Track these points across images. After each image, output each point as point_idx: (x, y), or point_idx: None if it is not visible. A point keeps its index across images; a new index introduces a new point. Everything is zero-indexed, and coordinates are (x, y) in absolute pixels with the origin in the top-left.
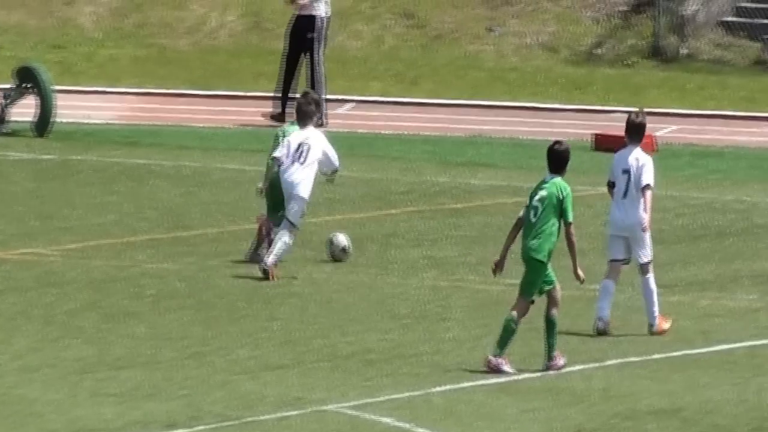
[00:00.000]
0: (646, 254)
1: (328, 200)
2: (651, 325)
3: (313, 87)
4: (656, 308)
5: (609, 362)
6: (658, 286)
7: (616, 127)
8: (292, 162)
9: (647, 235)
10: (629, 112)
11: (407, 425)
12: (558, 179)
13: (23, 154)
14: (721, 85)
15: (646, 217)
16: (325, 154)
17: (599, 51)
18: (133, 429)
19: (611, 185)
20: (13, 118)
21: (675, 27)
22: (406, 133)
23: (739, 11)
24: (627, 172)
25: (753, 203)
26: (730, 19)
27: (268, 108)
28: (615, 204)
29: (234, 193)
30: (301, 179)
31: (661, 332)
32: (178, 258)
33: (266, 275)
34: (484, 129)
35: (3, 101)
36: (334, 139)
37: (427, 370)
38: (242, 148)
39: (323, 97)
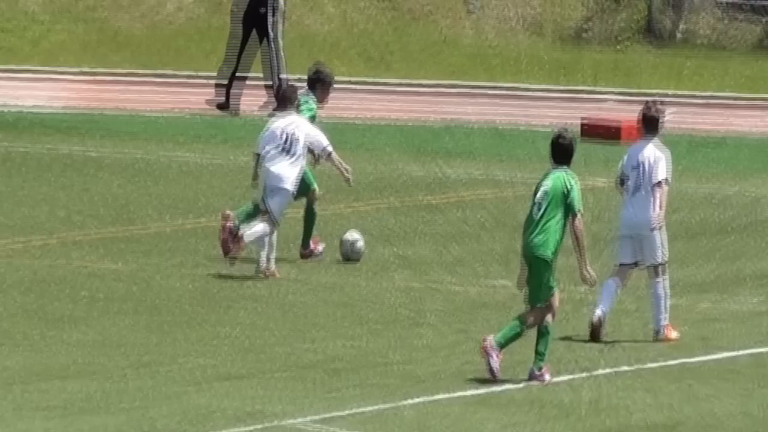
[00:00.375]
0: (658, 255)
1: None
2: (656, 332)
3: (270, 68)
4: (664, 315)
5: (599, 372)
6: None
7: (606, 114)
8: (280, 152)
9: (660, 235)
10: (646, 102)
11: None
12: (562, 172)
13: None
14: (720, 68)
15: (657, 215)
16: (311, 140)
17: (588, 32)
18: None
19: (621, 182)
20: None
21: (671, 5)
22: (376, 119)
23: None
24: (637, 168)
25: (756, 197)
26: None
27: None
28: (625, 202)
29: (190, 186)
30: (289, 174)
31: (667, 340)
32: (130, 258)
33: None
34: (461, 115)
35: None
36: None
37: (398, 381)
38: (200, 137)
39: (283, 77)
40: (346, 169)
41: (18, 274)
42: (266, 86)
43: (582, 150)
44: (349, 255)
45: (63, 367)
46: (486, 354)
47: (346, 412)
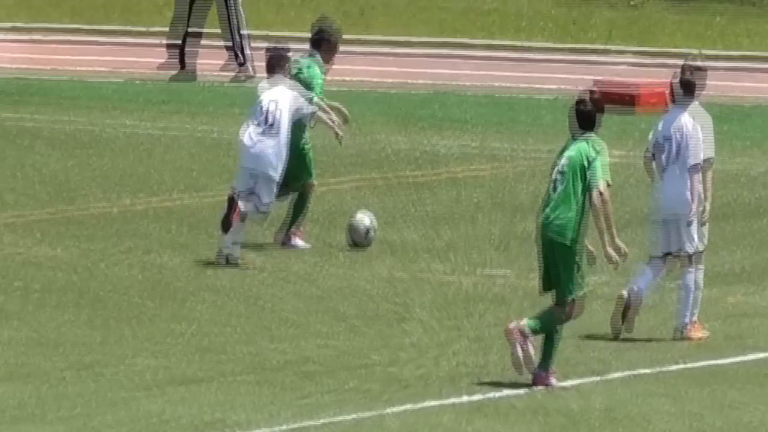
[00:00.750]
0: (692, 244)
1: None
2: (678, 330)
3: (228, 24)
4: (691, 311)
5: (613, 375)
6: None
7: (620, 78)
8: (261, 131)
9: (694, 224)
10: (683, 63)
11: None
12: (583, 142)
13: None
14: (753, 26)
15: (696, 204)
16: (297, 115)
17: None
18: None
19: (650, 158)
20: None
21: None
22: (355, 84)
23: None
24: (669, 140)
25: None
26: None
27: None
28: (656, 180)
29: (140, 161)
30: (271, 154)
31: (691, 339)
32: (69, 243)
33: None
34: (453, 80)
35: None
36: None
37: (381, 385)
38: (151, 104)
39: (243, 33)
40: (332, 119)
41: None
42: (226, 46)
43: None
44: (362, 243)
45: None
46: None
47: (320, 421)
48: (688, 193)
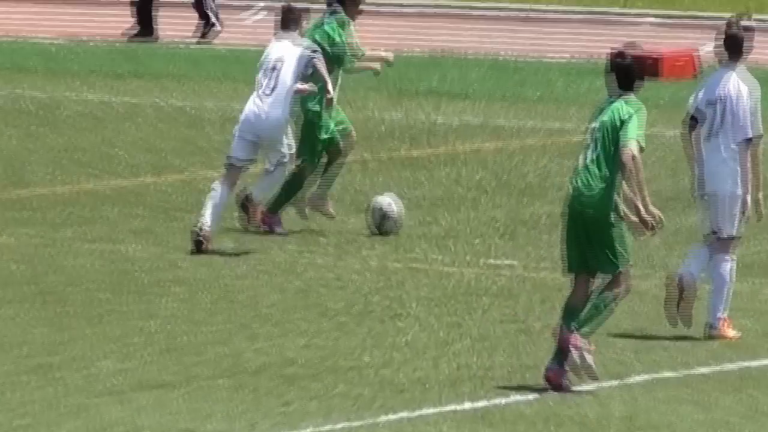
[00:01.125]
0: (728, 227)
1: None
2: (710, 326)
3: None
4: (723, 305)
5: (634, 379)
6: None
7: (642, 41)
8: (263, 89)
9: (737, 206)
10: (728, 18)
11: None
12: (619, 101)
13: None
14: None
15: (740, 183)
16: (303, 69)
17: None
18: None
19: (692, 122)
20: None
21: None
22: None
23: None
24: (714, 104)
25: None
26: None
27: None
28: (698, 151)
29: (94, 135)
30: (275, 118)
31: (722, 338)
32: (16, 228)
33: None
34: (453, 44)
35: None
36: (239, 58)
37: (372, 391)
38: (105, 70)
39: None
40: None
41: None
42: (194, 4)
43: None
44: (391, 230)
45: None
46: (575, 348)
47: (304, 431)
48: (731, 170)
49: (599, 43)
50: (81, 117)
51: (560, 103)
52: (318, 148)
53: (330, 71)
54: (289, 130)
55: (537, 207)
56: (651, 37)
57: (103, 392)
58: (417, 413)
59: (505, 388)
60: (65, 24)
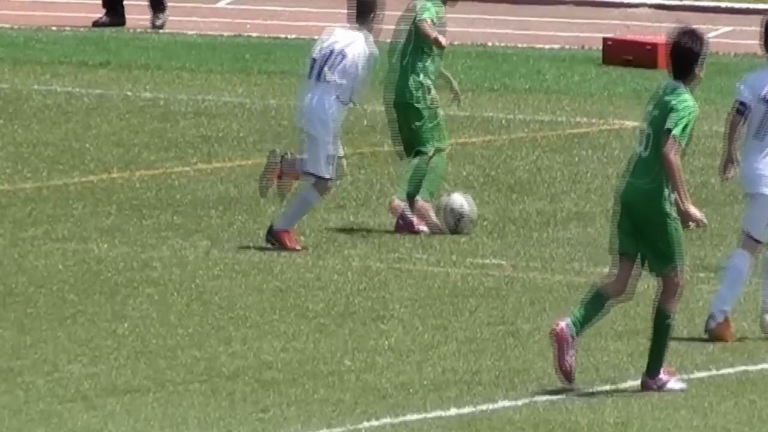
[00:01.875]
0: (757, 229)
1: (203, 139)
2: (712, 317)
3: None
4: (732, 299)
5: (628, 384)
6: (702, 267)
7: (638, 28)
8: (311, 81)
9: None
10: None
11: None
12: (670, 95)
13: None
14: None
15: None
16: (354, 74)
17: None
18: None
19: (739, 113)
20: None
21: None
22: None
23: None
24: (763, 102)
25: None
26: None
27: None
28: (742, 145)
29: (61, 128)
30: (320, 108)
31: (720, 336)
32: None
33: (276, 241)
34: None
35: None
36: (212, 45)
37: (354, 396)
38: (76, 59)
39: None
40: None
41: None
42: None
43: (605, 79)
44: (467, 229)
45: None
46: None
47: None
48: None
49: (593, 28)
50: (47, 109)
51: (551, 94)
52: (436, 126)
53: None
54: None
55: (527, 204)
56: (651, 23)
57: (72, 398)
58: (400, 419)
59: (492, 393)
60: (31, 12)
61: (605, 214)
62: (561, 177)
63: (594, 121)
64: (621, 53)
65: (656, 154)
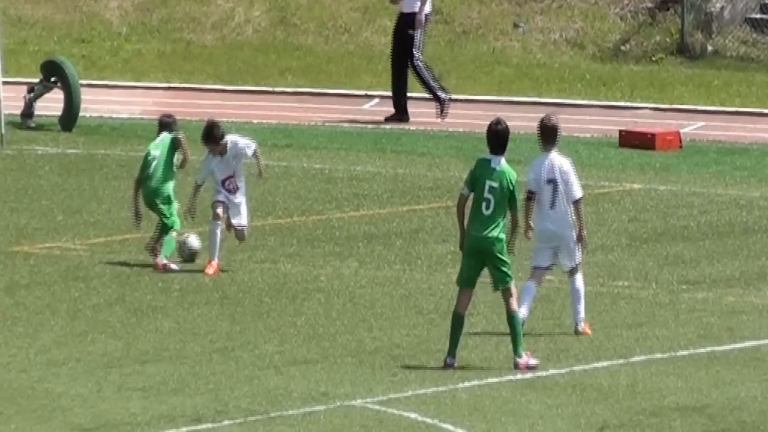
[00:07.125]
0: (573, 259)
1: (354, 195)
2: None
3: (424, 84)
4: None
5: (635, 359)
6: (685, 282)
7: (642, 123)
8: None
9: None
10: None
11: (433, 421)
12: (506, 166)
13: (49, 148)
14: (747, 81)
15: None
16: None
17: (625, 47)
18: (159, 423)
19: (528, 199)
20: (38, 112)
21: (701, 24)
22: (432, 129)
23: (765, 8)
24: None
25: None
26: (756, 16)
27: (295, 104)
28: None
29: (259, 188)
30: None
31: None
32: (204, 253)
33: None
34: (509, 125)
35: (29, 95)
36: (360, 135)
37: (458, 364)
38: (269, 143)
39: (433, 84)
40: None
41: (100, 267)
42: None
43: (619, 157)
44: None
45: (142, 352)
46: None
47: (406, 394)
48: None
49: (612, 123)
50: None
51: (584, 167)
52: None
53: None
54: None
55: None
56: (649, 120)
57: (266, 366)
58: (485, 381)
59: (544, 364)
60: (238, 109)
61: (620, 247)
62: (591, 221)
63: (613, 184)
64: (631, 140)
65: (497, 214)
